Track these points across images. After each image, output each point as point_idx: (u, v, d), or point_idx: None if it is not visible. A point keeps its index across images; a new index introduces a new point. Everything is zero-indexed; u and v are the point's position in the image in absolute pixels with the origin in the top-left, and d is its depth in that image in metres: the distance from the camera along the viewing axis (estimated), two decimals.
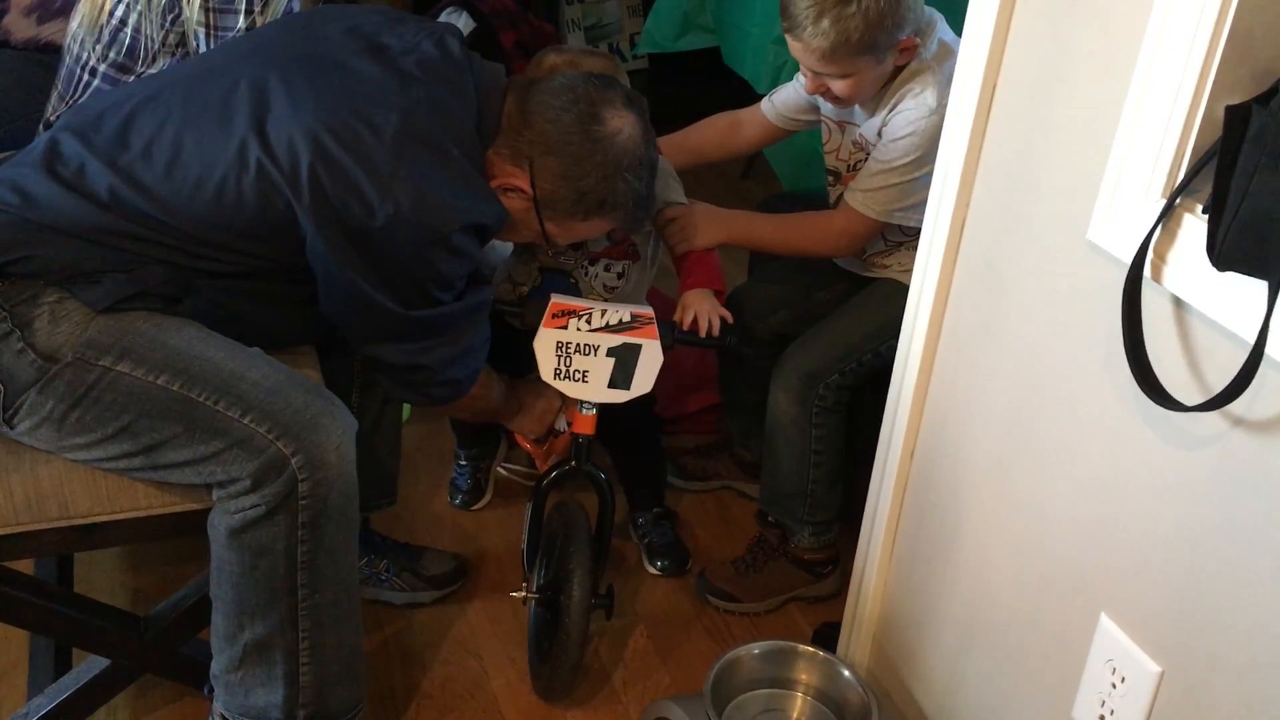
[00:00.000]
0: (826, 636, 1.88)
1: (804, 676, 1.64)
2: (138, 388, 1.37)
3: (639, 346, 1.70)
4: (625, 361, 1.70)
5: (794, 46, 1.74)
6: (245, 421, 1.37)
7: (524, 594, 1.81)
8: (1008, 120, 1.32)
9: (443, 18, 3.37)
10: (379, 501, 1.89)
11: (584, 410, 1.74)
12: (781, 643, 1.66)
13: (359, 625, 1.55)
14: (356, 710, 1.58)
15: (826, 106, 1.91)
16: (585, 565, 1.69)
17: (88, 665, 1.63)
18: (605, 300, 1.83)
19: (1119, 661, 1.21)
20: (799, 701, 1.64)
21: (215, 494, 1.41)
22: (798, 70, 2.74)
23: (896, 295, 1.58)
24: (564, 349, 1.70)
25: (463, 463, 2.26)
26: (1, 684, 1.78)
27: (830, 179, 1.96)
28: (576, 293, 1.87)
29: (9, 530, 1.44)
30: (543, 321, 1.70)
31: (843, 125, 1.89)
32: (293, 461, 1.37)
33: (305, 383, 1.45)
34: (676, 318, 1.78)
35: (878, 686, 1.67)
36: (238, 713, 1.53)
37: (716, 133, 2.07)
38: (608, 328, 1.70)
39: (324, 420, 1.39)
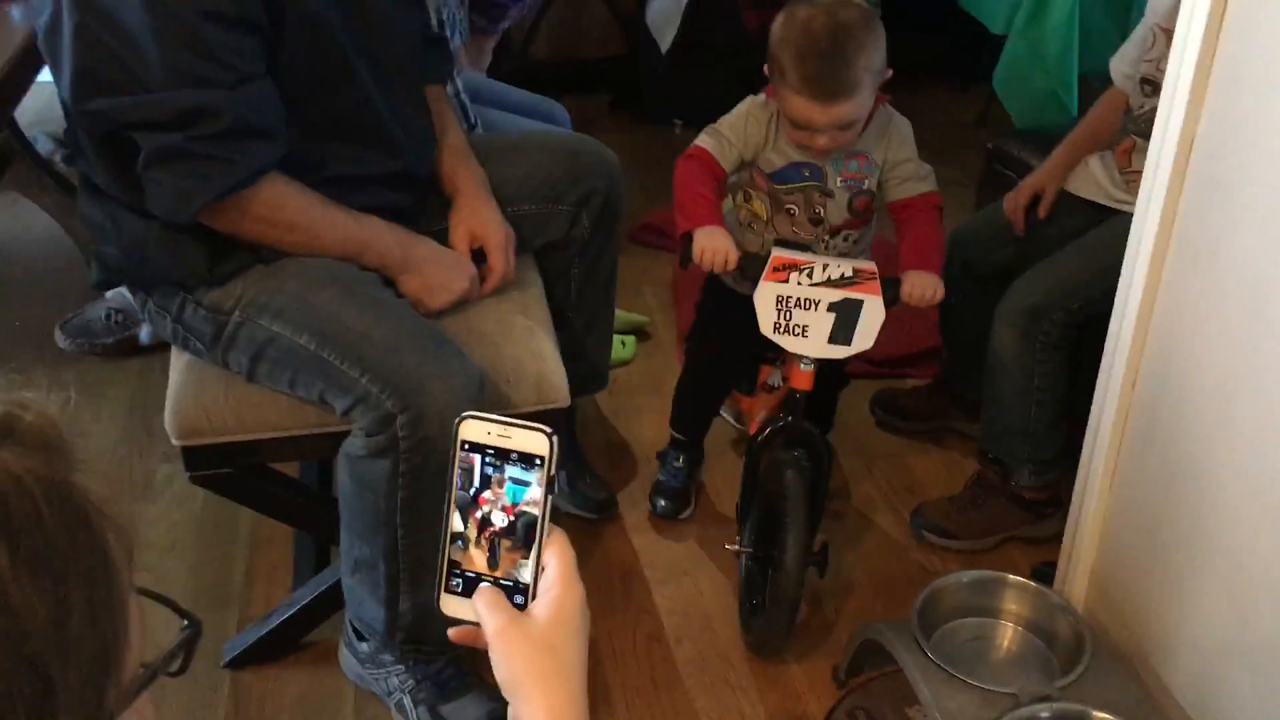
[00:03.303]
0: (1044, 576, 1.84)
1: (1013, 606, 1.64)
2: (290, 346, 1.50)
3: (860, 302, 1.66)
4: (846, 317, 1.67)
5: None
6: (364, 381, 1.46)
7: (737, 548, 1.83)
8: (1243, 29, 1.26)
9: None
10: (590, 387, 2.02)
11: (803, 366, 1.71)
12: (990, 572, 1.65)
13: None
14: (457, 647, 1.64)
15: (1160, 9, 1.81)
16: (800, 523, 1.67)
17: None
18: (829, 256, 1.77)
19: None
20: (1009, 631, 1.63)
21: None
22: (1036, 6, 2.67)
23: None
24: (784, 303, 1.67)
25: (677, 463, 2.10)
26: (271, 577, 1.98)
27: (1147, 89, 1.85)
28: None
29: (276, 434, 1.61)
30: (763, 275, 1.67)
31: (1170, 33, 1.79)
32: (398, 419, 1.45)
33: (426, 343, 1.49)
34: (904, 290, 1.70)
35: (1094, 621, 1.63)
36: (354, 618, 1.67)
37: (1113, 114, 1.96)
38: (829, 282, 1.66)
39: (432, 384, 1.45)
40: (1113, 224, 1.86)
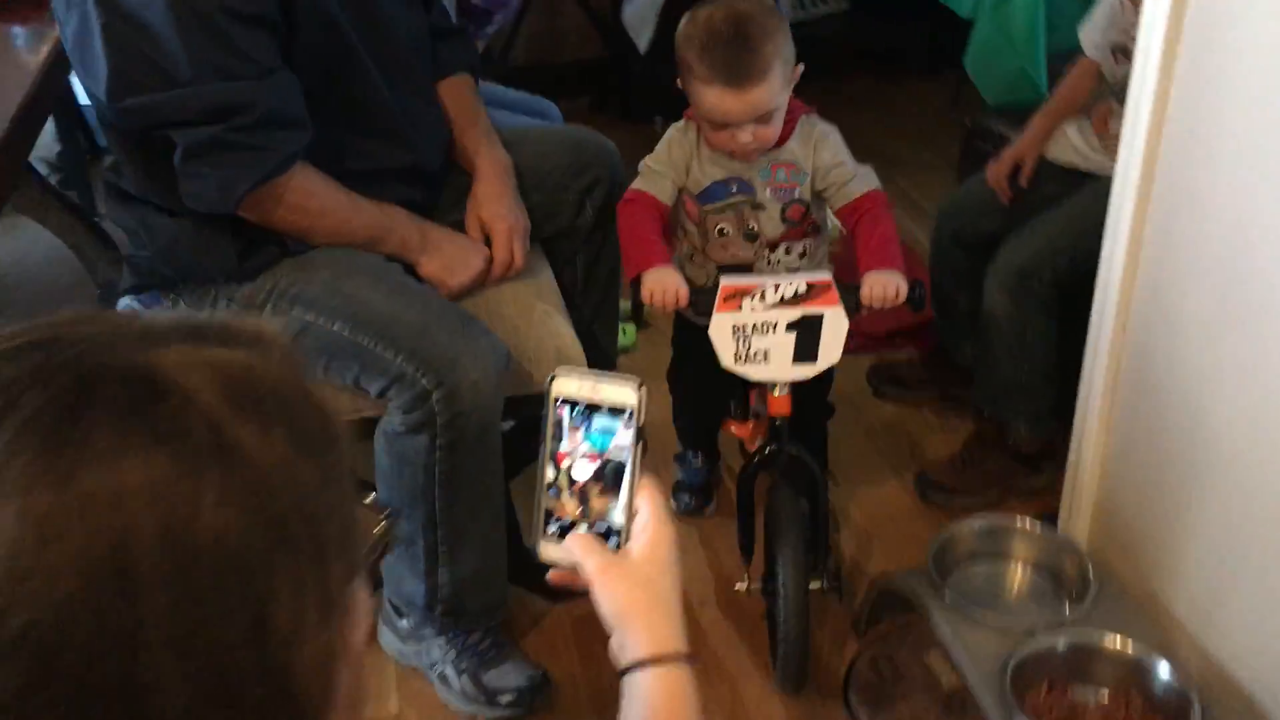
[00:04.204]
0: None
1: (1022, 549, 1.72)
2: (324, 334, 1.57)
3: (820, 316, 1.61)
4: (808, 334, 1.61)
5: None
6: (398, 361, 1.54)
7: (745, 586, 1.78)
8: None
9: None
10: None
11: (777, 392, 1.66)
12: (999, 517, 1.75)
13: (499, 544, 1.70)
14: (494, 617, 1.74)
15: None
16: (795, 553, 1.64)
17: None
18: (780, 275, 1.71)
19: None
20: (1019, 572, 1.72)
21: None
22: None
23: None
24: (741, 332, 1.62)
25: (696, 462, 2.11)
26: None
27: (1119, 56, 1.95)
28: None
29: None
30: (715, 307, 1.63)
31: (1138, 2, 1.89)
32: (434, 395, 1.53)
33: (454, 322, 1.57)
34: (863, 294, 1.65)
35: (1098, 557, 1.72)
36: (392, 596, 1.74)
37: (1085, 82, 2.08)
38: (783, 301, 1.61)
39: (463, 359, 1.53)
40: (1092, 187, 1.95)
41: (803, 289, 1.62)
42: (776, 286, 1.63)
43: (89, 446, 0.47)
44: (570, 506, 0.85)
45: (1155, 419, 1.59)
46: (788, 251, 1.80)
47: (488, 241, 1.76)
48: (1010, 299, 1.93)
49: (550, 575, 0.87)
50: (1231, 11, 1.32)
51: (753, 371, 1.64)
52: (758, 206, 1.76)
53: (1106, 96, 1.97)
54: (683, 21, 1.70)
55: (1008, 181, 2.08)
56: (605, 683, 1.79)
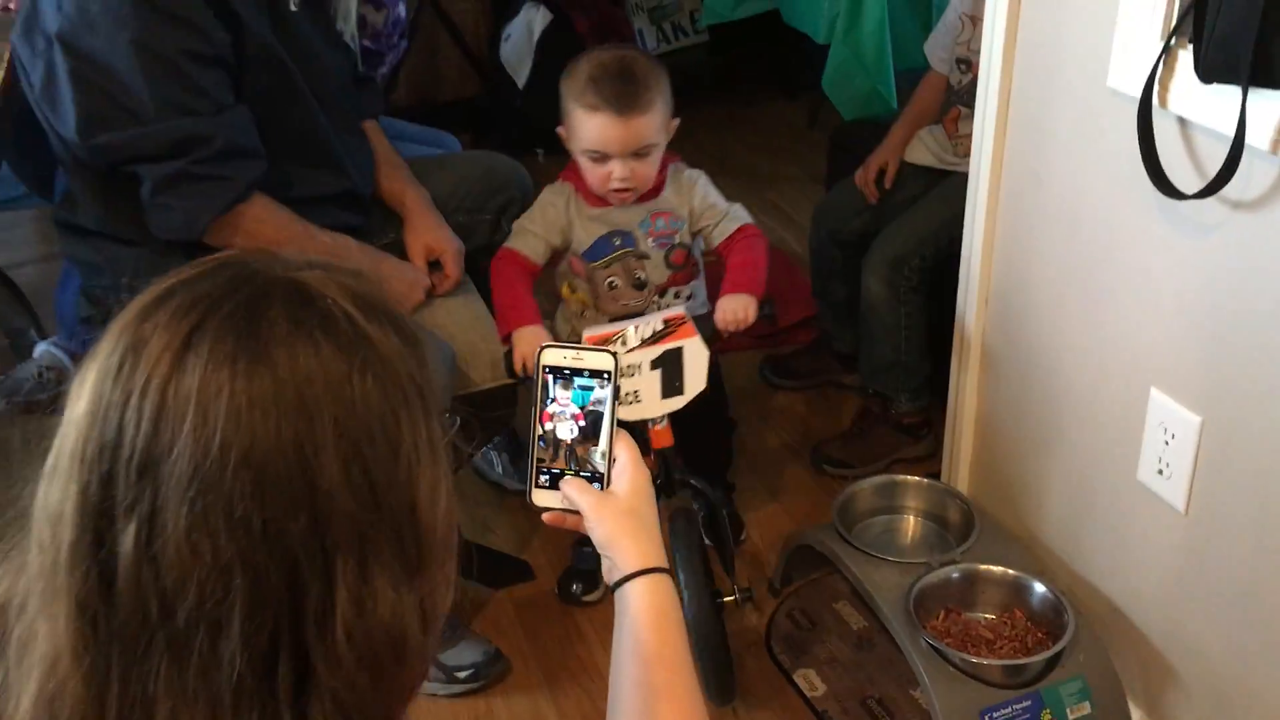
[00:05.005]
0: None
1: (912, 502, 1.96)
2: None
3: (679, 349, 1.69)
4: (671, 368, 1.69)
5: None
6: None
7: None
8: (1038, 4, 1.63)
9: (522, 13, 3.75)
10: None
11: (658, 425, 1.72)
12: (891, 476, 1.98)
13: None
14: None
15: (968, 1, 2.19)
16: (694, 571, 1.69)
17: None
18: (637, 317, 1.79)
19: (1168, 422, 1.51)
20: (911, 522, 1.95)
21: None
22: (851, 16, 3.07)
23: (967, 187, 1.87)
24: None
25: (587, 547, 2.13)
26: None
27: (962, 67, 2.23)
28: None
29: None
30: None
31: (975, 19, 2.15)
32: None
33: None
34: (716, 318, 1.78)
35: (978, 502, 1.96)
36: None
37: (935, 93, 2.33)
38: (644, 342, 1.69)
39: None
40: (948, 183, 2.22)
41: (659, 326, 1.71)
42: (636, 328, 1.71)
43: (274, 332, 0.66)
44: (559, 458, 1.02)
45: (1018, 377, 1.84)
46: (676, 295, 1.91)
47: (433, 265, 1.93)
48: (886, 287, 2.18)
49: (545, 518, 1.05)
50: (1057, 21, 1.59)
51: (627, 414, 1.69)
52: (642, 256, 1.87)
53: (953, 103, 2.25)
54: (565, 73, 1.82)
55: (874, 184, 2.34)
56: (552, 657, 1.95)
